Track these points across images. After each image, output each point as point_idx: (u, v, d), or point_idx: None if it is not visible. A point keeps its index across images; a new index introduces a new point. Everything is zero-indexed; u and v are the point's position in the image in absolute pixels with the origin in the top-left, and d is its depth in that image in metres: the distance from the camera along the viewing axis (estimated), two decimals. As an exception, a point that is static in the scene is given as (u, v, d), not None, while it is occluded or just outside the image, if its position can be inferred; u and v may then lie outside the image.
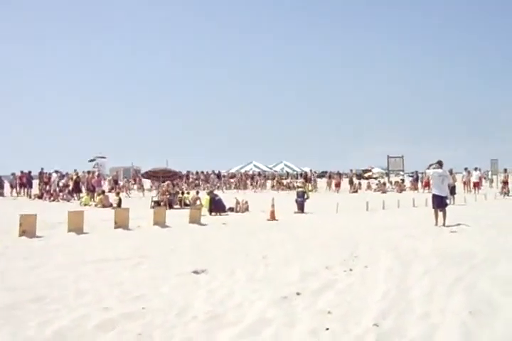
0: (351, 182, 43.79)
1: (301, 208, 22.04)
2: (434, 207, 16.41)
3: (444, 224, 15.80)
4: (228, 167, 68.00)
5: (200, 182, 47.31)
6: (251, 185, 48.65)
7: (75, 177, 34.67)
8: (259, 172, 54.01)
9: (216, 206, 21.90)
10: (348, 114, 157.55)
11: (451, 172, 28.45)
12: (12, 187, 38.43)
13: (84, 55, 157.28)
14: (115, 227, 15.82)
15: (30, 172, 37.73)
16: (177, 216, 18.94)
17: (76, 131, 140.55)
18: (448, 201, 16.88)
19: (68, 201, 31.87)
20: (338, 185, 42.92)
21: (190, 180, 48.26)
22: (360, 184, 46.66)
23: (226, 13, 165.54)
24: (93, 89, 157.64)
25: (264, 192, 42.98)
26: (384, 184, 42.32)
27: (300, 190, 23.08)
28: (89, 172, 36.79)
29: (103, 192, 29.10)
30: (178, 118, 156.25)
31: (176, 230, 15.67)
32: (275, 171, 75.63)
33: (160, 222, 16.84)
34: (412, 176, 45.52)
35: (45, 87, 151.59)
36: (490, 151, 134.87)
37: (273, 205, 19.35)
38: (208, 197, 22.66)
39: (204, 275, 8.96)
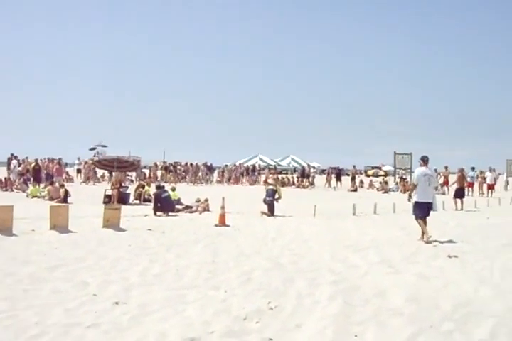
0: (353, 180, 39.09)
1: (270, 209, 17.48)
2: (417, 218, 12.06)
3: (423, 238, 11.70)
4: (234, 160, 64.29)
5: (189, 175, 43.02)
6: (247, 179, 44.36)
7: (33, 164, 30.45)
8: (253, 166, 49.36)
9: (163, 204, 17.40)
10: (365, 109, 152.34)
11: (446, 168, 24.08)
12: (-27, 175, 34.33)
13: (93, 43, 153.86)
14: (-8, 232, 11.47)
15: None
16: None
17: (80, 118, 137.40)
18: (434, 208, 12.42)
19: (23, 191, 27.52)
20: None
21: (178, 172, 44.01)
22: (362, 182, 42.03)
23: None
24: (98, 77, 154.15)
25: (253, 187, 38.31)
26: (386, 183, 37.56)
27: (270, 187, 18.34)
28: (50, 159, 32.44)
29: (51, 182, 24.78)
30: (184, 109, 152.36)
31: (70, 239, 11.29)
32: (280, 165, 71.83)
33: (60, 225, 12.47)
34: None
35: (52, 74, 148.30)
36: (508, 152, 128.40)
37: (223, 207, 14.85)
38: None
39: None
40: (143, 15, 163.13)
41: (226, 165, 47.91)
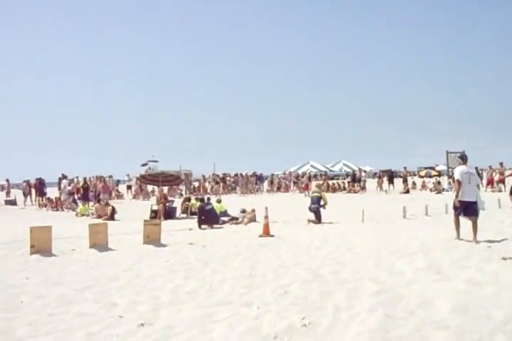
0: (404, 182, 38.05)
1: (317, 217, 16.98)
2: (456, 215, 11.64)
3: (475, 240, 11.06)
4: (285, 168, 63.96)
5: (239, 186, 42.75)
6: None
7: (82, 183, 30.74)
8: (303, 173, 48.81)
9: (207, 217, 17.14)
10: (416, 110, 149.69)
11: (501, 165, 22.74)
12: (25, 195, 34.89)
13: (143, 55, 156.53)
14: (31, 253, 11.42)
15: (40, 178, 33.92)
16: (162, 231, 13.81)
17: (128, 134, 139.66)
18: (479, 207, 11.72)
19: (73, 210, 27.72)
20: (305, 187, 37.64)
21: (227, 183, 43.87)
22: (414, 183, 40.96)
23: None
24: (146, 92, 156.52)
25: (303, 195, 37.58)
26: (439, 183, 36.37)
27: (315, 195, 17.88)
28: (98, 177, 32.68)
29: (99, 200, 24.87)
30: (233, 118, 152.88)
31: (108, 258, 11.13)
32: (332, 171, 71.22)
33: (99, 244, 12.35)
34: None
35: (100, 89, 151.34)
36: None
37: (266, 217, 14.45)
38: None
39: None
40: (192, 24, 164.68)
41: (272, 175, 47.20)
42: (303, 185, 39.65)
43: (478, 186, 12.44)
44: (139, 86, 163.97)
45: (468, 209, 11.39)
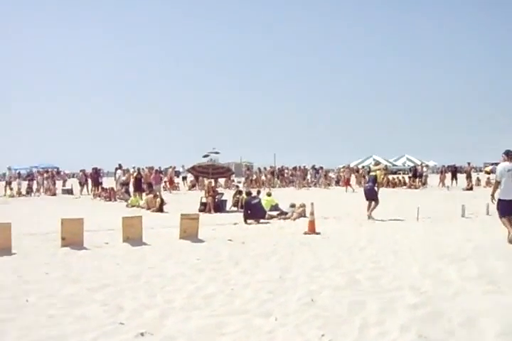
0: (468, 178, 36.42)
1: (370, 197, 16.55)
2: (501, 217, 10.96)
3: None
4: (347, 161, 62.81)
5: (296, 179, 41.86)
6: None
7: (135, 174, 30.48)
8: (359, 167, 47.55)
9: (253, 211, 16.44)
10: (487, 102, 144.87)
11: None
12: (81, 184, 35.13)
13: (204, 43, 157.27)
14: (62, 245, 11.01)
15: (95, 168, 34.08)
16: (203, 225, 13.25)
17: (189, 126, 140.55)
18: None
19: (126, 201, 27.49)
20: (346, 182, 36.69)
21: (285, 175, 43.19)
22: (478, 180, 39.24)
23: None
24: (209, 84, 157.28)
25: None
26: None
27: (372, 173, 17.55)
28: (149, 168, 32.42)
29: (150, 191, 24.48)
30: (296, 111, 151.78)
31: (138, 253, 10.53)
32: (395, 165, 69.95)
33: (133, 238, 11.81)
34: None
35: (162, 80, 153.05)
36: None
37: (312, 213, 13.66)
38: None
39: None
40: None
41: (322, 168, 45.57)
42: (344, 180, 38.56)
43: None
44: (202, 78, 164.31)
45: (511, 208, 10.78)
